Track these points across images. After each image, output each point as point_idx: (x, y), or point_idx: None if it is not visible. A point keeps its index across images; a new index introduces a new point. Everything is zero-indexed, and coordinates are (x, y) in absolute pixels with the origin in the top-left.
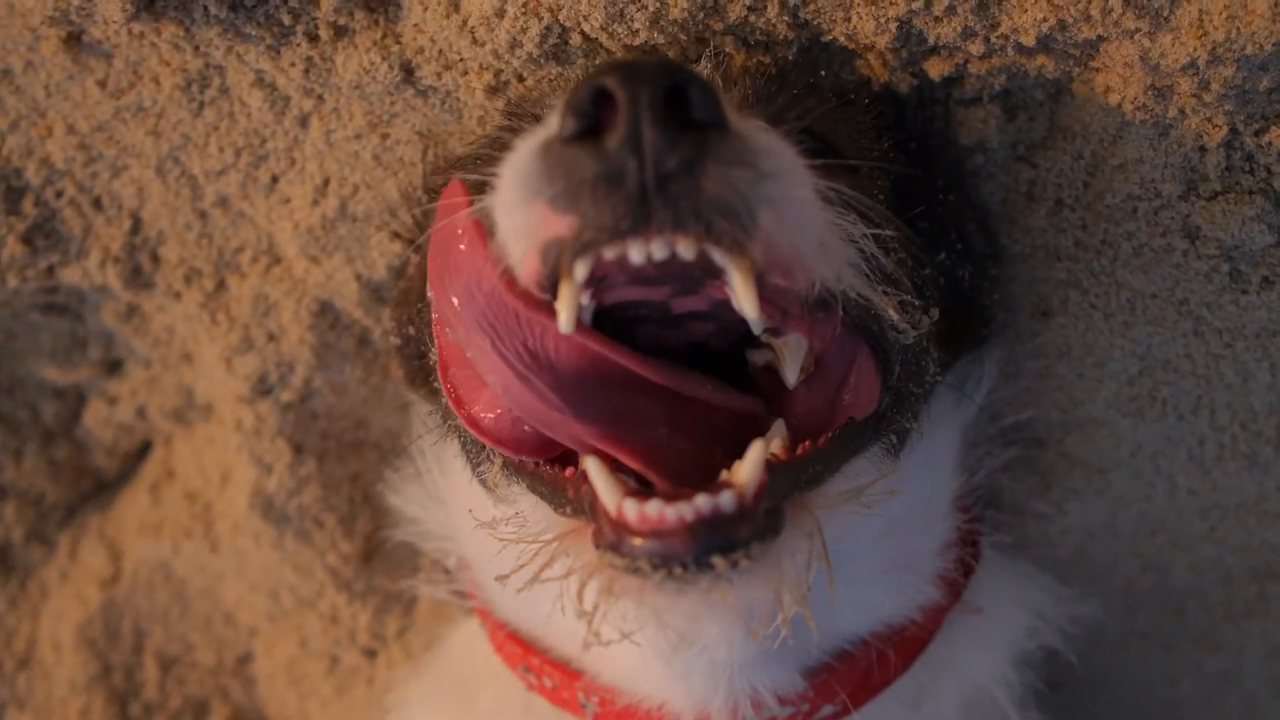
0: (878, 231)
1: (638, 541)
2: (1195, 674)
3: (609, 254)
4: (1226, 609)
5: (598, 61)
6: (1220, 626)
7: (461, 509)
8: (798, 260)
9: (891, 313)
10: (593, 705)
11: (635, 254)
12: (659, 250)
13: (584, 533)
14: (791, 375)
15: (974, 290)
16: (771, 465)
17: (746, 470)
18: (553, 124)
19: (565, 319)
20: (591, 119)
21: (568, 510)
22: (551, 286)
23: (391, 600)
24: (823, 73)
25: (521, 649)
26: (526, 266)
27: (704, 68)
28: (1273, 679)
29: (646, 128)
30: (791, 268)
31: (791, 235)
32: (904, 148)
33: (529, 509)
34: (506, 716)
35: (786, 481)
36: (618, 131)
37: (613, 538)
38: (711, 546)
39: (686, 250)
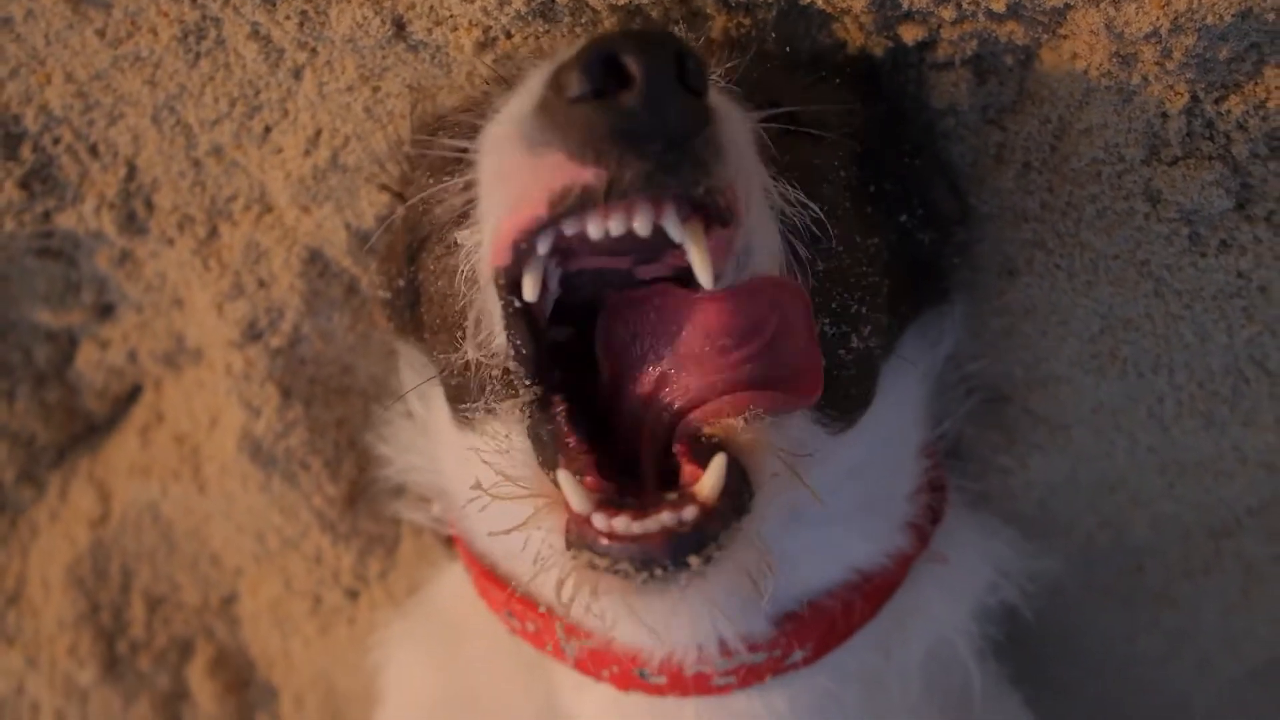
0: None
1: (615, 545)
2: (1152, 630)
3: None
4: (1184, 566)
5: (583, 21)
6: (1177, 583)
7: (447, 445)
8: (738, 199)
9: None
10: (573, 648)
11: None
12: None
13: (558, 507)
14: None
15: (934, 253)
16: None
17: (709, 485)
18: (539, 87)
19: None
20: (600, 81)
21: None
22: (546, 235)
23: (375, 542)
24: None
25: (504, 594)
26: (524, 211)
27: (680, 32)
28: (1226, 635)
29: (667, 95)
30: (734, 206)
31: (744, 201)
32: (873, 112)
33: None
34: (493, 659)
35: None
36: (635, 94)
37: (584, 537)
38: (685, 548)
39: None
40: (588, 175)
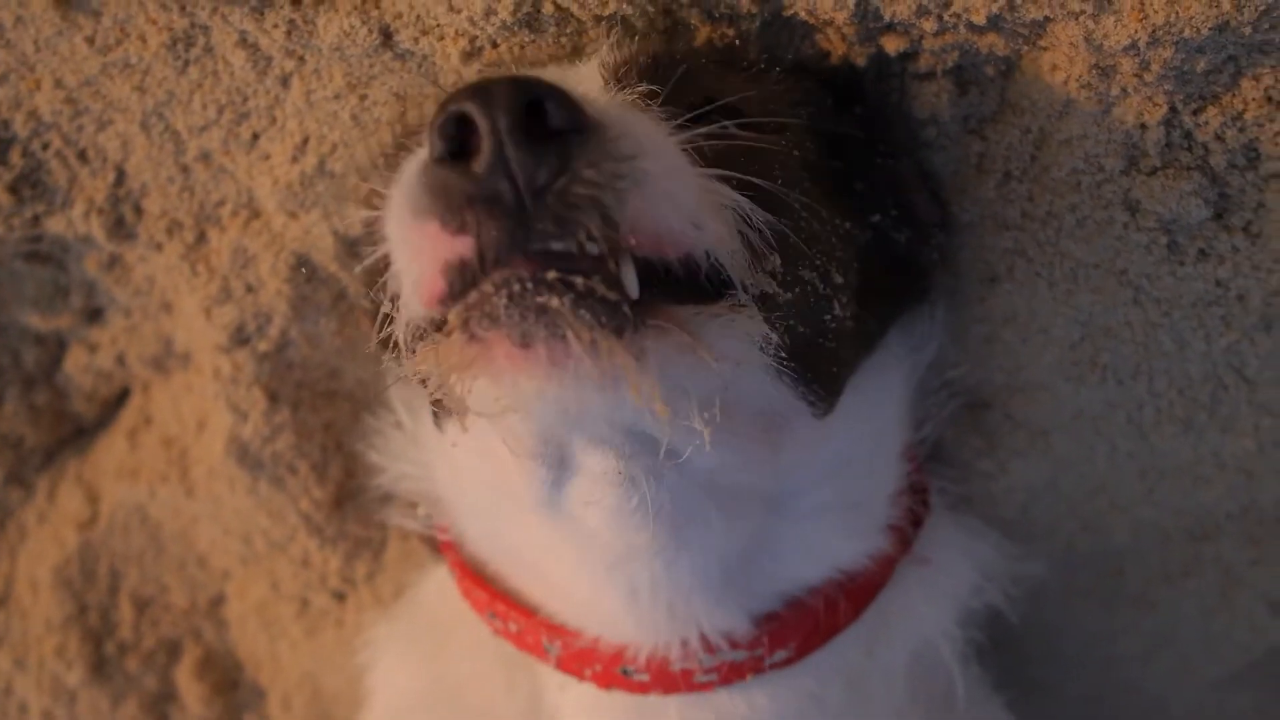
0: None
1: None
2: (1132, 632)
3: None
4: (1163, 570)
5: (568, 31)
6: (1157, 586)
7: (436, 452)
8: (668, 233)
9: (757, 283)
10: (555, 648)
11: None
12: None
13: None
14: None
15: (911, 251)
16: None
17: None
18: (426, 145)
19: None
20: (456, 141)
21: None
22: (453, 302)
23: (361, 545)
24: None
25: (488, 594)
26: (428, 287)
27: (610, 49)
28: (1205, 637)
29: (511, 150)
30: (662, 241)
31: (658, 218)
32: (848, 113)
33: None
34: (477, 660)
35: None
36: (483, 156)
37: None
38: (554, 263)
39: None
40: (460, 246)
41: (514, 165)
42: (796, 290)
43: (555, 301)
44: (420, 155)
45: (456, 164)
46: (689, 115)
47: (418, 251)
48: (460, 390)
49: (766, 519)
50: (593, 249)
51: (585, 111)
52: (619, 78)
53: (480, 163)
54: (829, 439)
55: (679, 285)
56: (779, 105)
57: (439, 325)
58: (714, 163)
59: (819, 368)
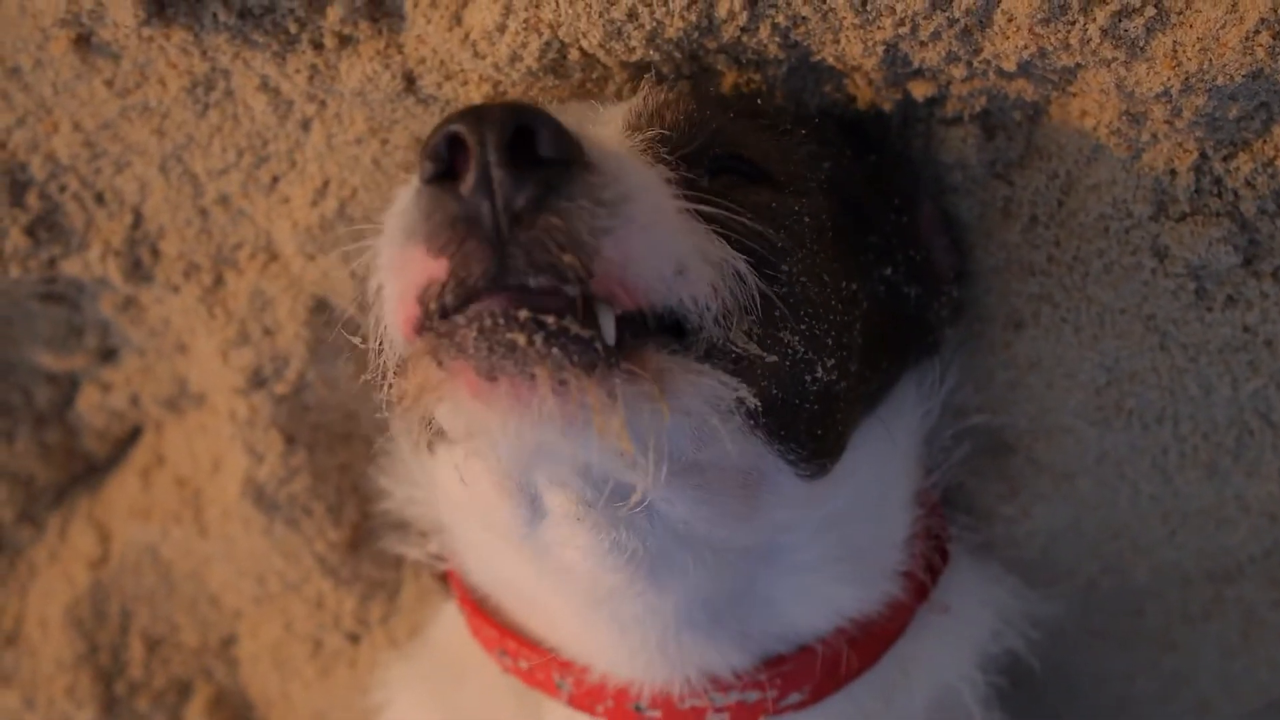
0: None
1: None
2: (1151, 672)
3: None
4: (1183, 610)
5: (594, 77)
6: (1177, 627)
7: (436, 480)
8: (641, 282)
9: (725, 341)
10: (568, 685)
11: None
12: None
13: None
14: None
15: (919, 307)
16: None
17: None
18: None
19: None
20: (446, 162)
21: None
22: (426, 326)
23: (376, 587)
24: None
25: (497, 632)
26: (404, 310)
27: (641, 94)
28: (1225, 677)
29: (495, 170)
30: (635, 289)
31: (637, 263)
32: (856, 165)
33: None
34: (490, 698)
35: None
36: (469, 175)
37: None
38: (528, 302)
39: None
40: (436, 269)
41: (495, 184)
42: (776, 353)
43: (524, 339)
44: (414, 182)
45: (445, 185)
46: (706, 168)
47: (399, 275)
48: (424, 413)
49: (755, 568)
50: (570, 290)
51: (577, 145)
52: (641, 124)
53: (466, 182)
54: (826, 498)
55: (659, 332)
56: (800, 164)
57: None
58: (716, 219)
59: (801, 429)
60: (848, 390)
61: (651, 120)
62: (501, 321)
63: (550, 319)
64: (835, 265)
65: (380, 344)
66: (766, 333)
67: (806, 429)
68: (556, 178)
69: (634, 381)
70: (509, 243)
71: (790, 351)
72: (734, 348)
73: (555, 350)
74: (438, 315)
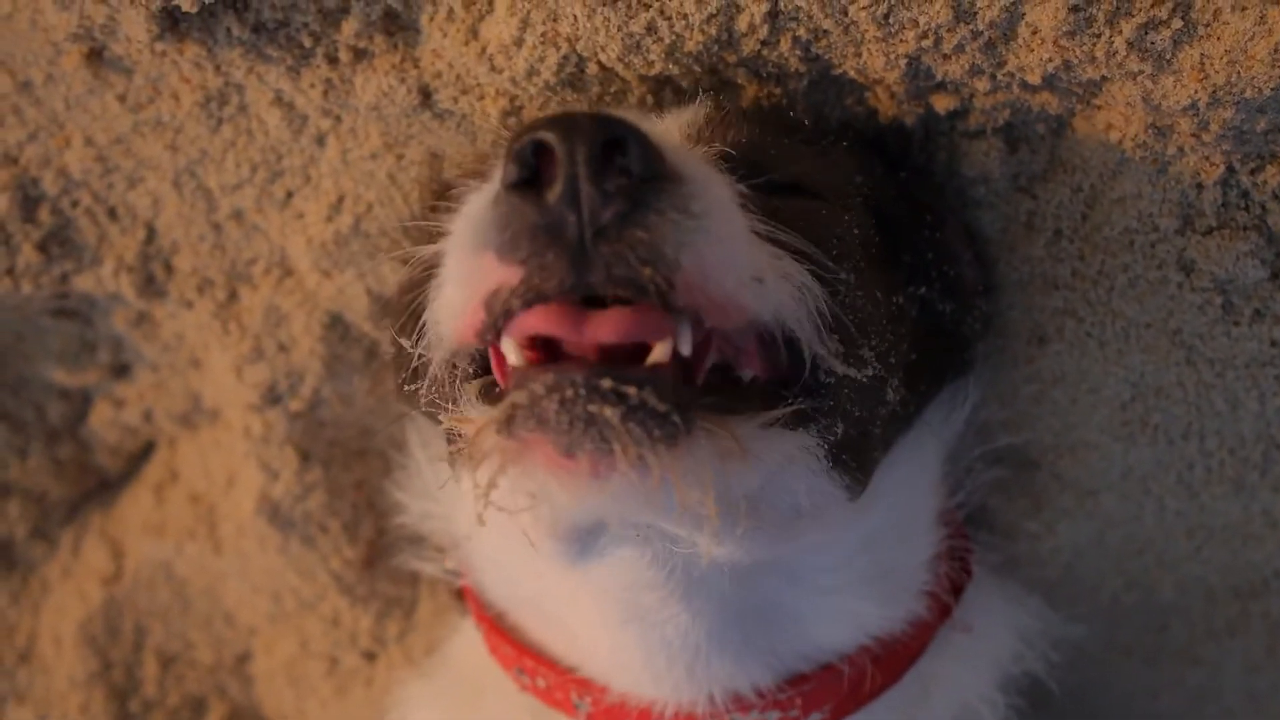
0: (820, 271)
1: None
2: (1176, 688)
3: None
4: (1208, 626)
5: (612, 90)
6: (1202, 642)
7: (454, 495)
8: (726, 300)
9: (826, 355)
10: (586, 705)
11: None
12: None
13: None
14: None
15: (954, 323)
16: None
17: (661, 350)
18: (499, 174)
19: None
20: (532, 169)
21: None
22: (495, 335)
23: (393, 605)
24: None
25: (515, 650)
26: (470, 316)
27: (702, 104)
28: (1250, 693)
29: (583, 183)
30: (720, 308)
31: (717, 275)
32: (894, 182)
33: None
34: (510, 718)
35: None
36: (557, 185)
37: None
38: (603, 373)
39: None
40: (508, 275)
41: (582, 198)
42: (862, 372)
43: (607, 411)
44: (489, 188)
45: (528, 192)
46: (758, 183)
47: (467, 281)
48: (489, 479)
49: (784, 586)
50: (652, 301)
51: (665, 159)
52: (699, 136)
53: (554, 192)
54: (859, 520)
55: (733, 389)
56: (843, 180)
57: (474, 368)
58: (777, 235)
59: (864, 456)
60: (893, 410)
61: (713, 135)
62: (583, 392)
63: (631, 389)
64: (882, 279)
65: (422, 346)
66: (849, 351)
67: (869, 454)
68: (645, 192)
69: (713, 439)
70: (588, 254)
71: (870, 370)
72: (827, 365)
73: (634, 425)
74: (502, 318)
